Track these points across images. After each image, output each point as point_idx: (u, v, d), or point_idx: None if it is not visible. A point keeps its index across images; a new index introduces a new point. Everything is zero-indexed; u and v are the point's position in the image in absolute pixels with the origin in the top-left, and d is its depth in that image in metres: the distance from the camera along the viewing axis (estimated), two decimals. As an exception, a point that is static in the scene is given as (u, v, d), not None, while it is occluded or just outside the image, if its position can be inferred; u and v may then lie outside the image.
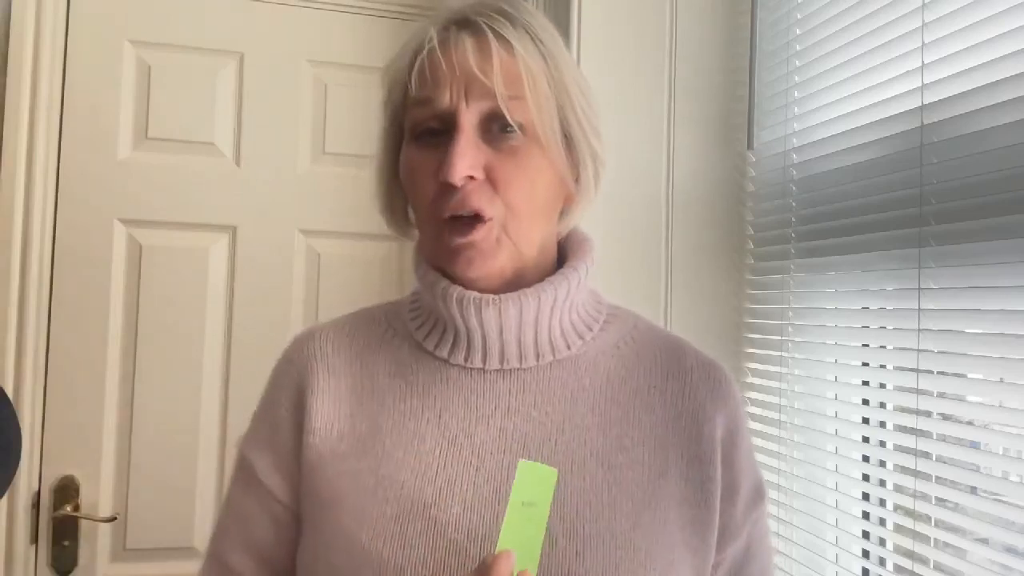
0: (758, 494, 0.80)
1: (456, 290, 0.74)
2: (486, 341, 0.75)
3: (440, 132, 0.72)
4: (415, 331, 0.79)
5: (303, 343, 0.82)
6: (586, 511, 0.70)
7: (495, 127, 0.71)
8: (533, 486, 0.62)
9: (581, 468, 0.72)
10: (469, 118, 0.70)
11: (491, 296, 0.73)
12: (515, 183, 0.71)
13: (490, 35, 0.71)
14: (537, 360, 0.76)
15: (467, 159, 0.69)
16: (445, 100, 0.71)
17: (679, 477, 0.74)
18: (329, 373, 0.78)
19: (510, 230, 0.72)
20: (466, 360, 0.76)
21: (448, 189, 0.70)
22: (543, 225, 0.76)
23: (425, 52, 0.71)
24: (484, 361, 0.76)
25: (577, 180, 0.77)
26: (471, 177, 0.70)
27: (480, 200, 0.70)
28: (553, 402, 0.75)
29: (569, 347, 0.77)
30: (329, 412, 0.77)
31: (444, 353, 0.77)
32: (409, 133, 0.74)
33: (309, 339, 0.82)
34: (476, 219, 0.71)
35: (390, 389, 0.77)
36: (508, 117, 0.70)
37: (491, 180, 0.71)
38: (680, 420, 0.76)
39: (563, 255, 0.80)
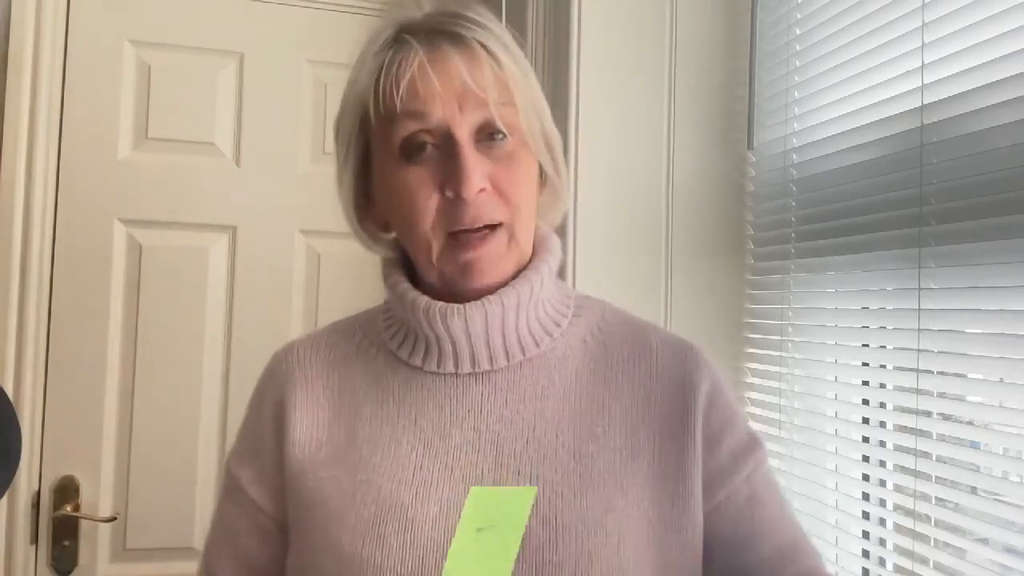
0: (750, 444, 0.79)
1: (423, 301, 0.76)
2: (456, 347, 0.76)
3: (428, 147, 0.72)
4: (388, 340, 0.81)
5: (282, 358, 0.84)
6: (558, 502, 0.71)
7: (485, 136, 0.73)
8: (493, 511, 0.59)
9: (553, 461, 0.74)
10: (464, 131, 0.71)
11: (455, 306, 0.74)
12: (517, 187, 0.74)
13: (477, 46, 0.72)
14: (508, 360, 0.77)
15: (479, 171, 0.71)
16: (438, 114, 0.71)
17: (653, 455, 0.75)
18: (308, 385, 0.80)
19: (517, 233, 0.74)
20: (439, 366, 0.77)
21: (457, 203, 0.71)
22: (534, 221, 0.78)
23: (415, 67, 0.71)
24: (456, 366, 0.77)
25: (556, 171, 0.80)
26: (481, 189, 0.71)
27: (492, 211, 0.72)
28: (524, 400, 0.77)
29: (538, 345, 0.79)
30: (309, 422, 0.78)
31: (418, 361, 0.78)
32: (398, 151, 0.73)
33: (288, 353, 0.84)
34: (486, 228, 0.72)
35: (367, 398, 0.79)
36: (499, 124, 0.72)
37: (495, 188, 0.72)
38: (651, 400, 0.77)
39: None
